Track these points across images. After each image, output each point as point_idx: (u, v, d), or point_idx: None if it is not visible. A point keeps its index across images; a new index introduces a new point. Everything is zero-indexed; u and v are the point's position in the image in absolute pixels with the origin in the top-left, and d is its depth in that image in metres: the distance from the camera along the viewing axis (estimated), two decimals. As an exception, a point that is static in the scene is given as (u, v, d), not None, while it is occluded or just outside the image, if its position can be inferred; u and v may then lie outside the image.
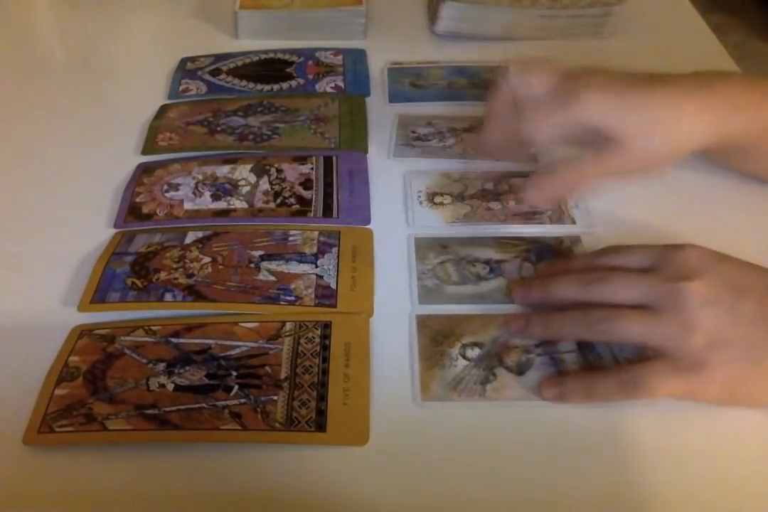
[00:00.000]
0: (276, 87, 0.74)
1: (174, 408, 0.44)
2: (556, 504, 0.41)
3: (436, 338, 0.49)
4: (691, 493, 0.42)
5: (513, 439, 0.44)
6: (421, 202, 0.59)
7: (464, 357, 0.48)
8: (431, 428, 0.45)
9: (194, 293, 0.51)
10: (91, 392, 0.46)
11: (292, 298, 0.51)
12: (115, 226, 0.58)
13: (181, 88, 0.74)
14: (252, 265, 0.54)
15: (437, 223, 0.57)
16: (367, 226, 0.57)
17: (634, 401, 0.44)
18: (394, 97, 0.72)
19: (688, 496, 0.41)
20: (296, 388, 0.45)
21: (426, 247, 0.55)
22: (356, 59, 0.78)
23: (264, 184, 0.61)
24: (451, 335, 0.49)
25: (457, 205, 0.59)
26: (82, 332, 0.50)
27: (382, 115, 0.70)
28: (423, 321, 0.50)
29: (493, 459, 0.43)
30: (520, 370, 0.47)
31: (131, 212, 0.59)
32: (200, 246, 0.55)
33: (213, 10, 0.87)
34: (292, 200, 0.59)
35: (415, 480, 0.42)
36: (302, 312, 0.50)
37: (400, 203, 0.60)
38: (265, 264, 0.54)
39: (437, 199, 0.59)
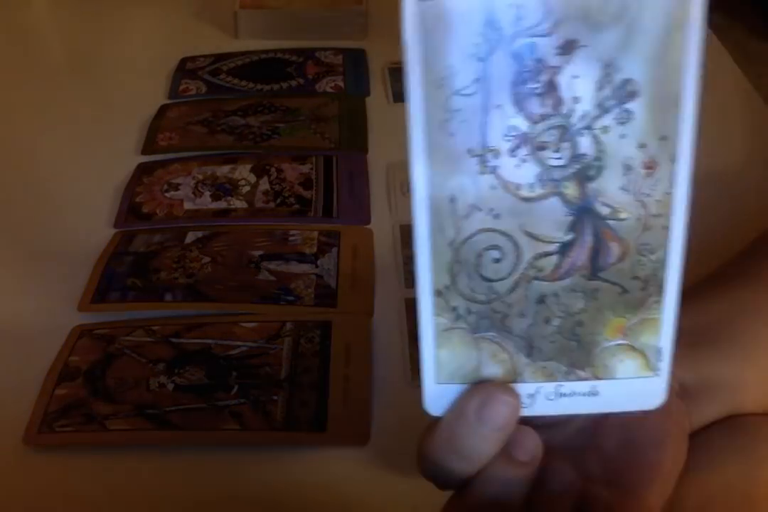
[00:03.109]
0: (276, 87, 0.74)
1: (174, 408, 0.44)
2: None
3: None
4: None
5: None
6: (404, 193, 0.60)
7: None
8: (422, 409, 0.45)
9: (194, 293, 0.51)
10: (91, 392, 0.46)
11: (292, 298, 0.51)
12: (115, 226, 0.58)
13: (181, 88, 0.74)
14: (252, 265, 0.53)
15: None
16: (367, 226, 0.57)
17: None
18: (398, 97, 0.72)
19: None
20: (296, 388, 0.45)
21: (411, 234, 0.56)
22: (356, 59, 0.78)
23: (264, 184, 0.61)
24: None
25: None
26: (82, 332, 0.50)
27: (382, 115, 0.70)
28: (411, 305, 0.50)
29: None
30: None
31: (131, 212, 0.59)
32: (200, 246, 0.55)
33: (213, 10, 0.87)
34: (292, 200, 0.59)
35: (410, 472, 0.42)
36: (302, 312, 0.50)
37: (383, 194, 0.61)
38: (265, 264, 0.54)
39: None
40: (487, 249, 0.26)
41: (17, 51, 0.81)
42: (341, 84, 0.74)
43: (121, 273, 0.53)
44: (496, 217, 0.25)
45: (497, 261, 0.26)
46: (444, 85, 0.23)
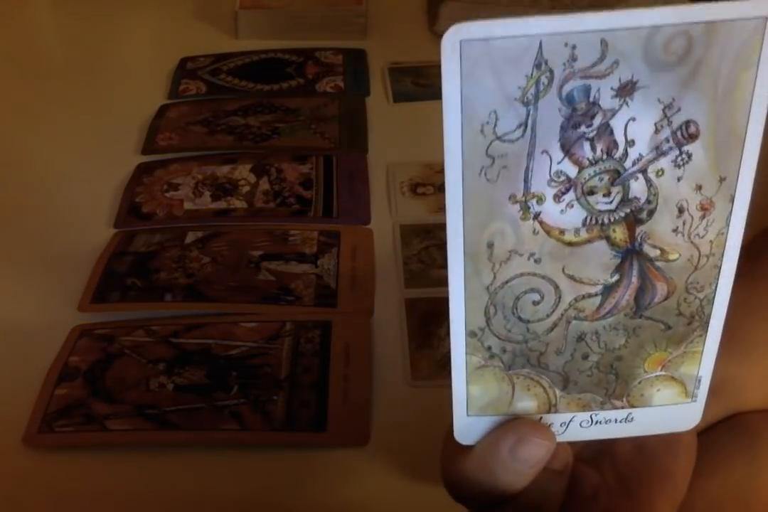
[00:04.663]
0: (276, 87, 0.74)
1: (174, 408, 0.44)
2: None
3: (424, 319, 0.50)
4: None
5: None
6: (403, 193, 0.60)
7: None
8: (422, 409, 0.45)
9: (194, 293, 0.51)
10: (91, 392, 0.46)
11: (292, 298, 0.51)
12: (115, 226, 0.58)
13: (181, 88, 0.74)
14: (252, 265, 0.53)
15: (420, 212, 0.58)
16: (367, 226, 0.57)
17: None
18: (398, 97, 0.72)
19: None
20: (296, 388, 0.45)
21: (411, 234, 0.56)
22: (356, 59, 0.78)
23: (264, 184, 0.61)
24: (439, 315, 0.50)
25: (440, 195, 0.59)
26: (82, 332, 0.50)
27: (382, 115, 0.70)
28: (411, 305, 0.51)
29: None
30: None
31: (131, 212, 0.59)
32: (200, 246, 0.55)
33: (213, 10, 0.87)
34: (292, 200, 0.59)
35: (411, 472, 0.42)
36: (302, 312, 0.50)
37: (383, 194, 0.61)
38: (265, 264, 0.54)
39: (420, 190, 0.60)
40: (526, 292, 0.24)
41: (17, 51, 0.81)
42: (341, 84, 0.74)
43: (121, 273, 0.53)
44: (537, 261, 0.24)
45: (536, 303, 0.25)
46: (485, 131, 0.21)
